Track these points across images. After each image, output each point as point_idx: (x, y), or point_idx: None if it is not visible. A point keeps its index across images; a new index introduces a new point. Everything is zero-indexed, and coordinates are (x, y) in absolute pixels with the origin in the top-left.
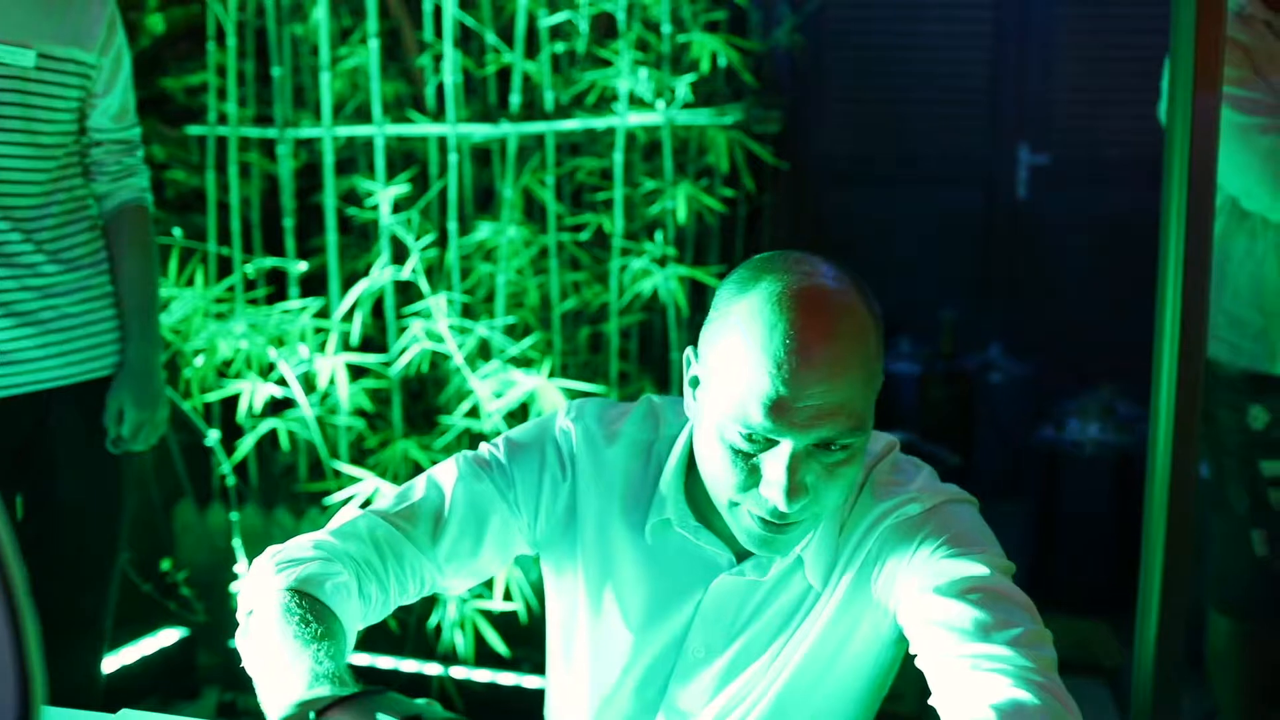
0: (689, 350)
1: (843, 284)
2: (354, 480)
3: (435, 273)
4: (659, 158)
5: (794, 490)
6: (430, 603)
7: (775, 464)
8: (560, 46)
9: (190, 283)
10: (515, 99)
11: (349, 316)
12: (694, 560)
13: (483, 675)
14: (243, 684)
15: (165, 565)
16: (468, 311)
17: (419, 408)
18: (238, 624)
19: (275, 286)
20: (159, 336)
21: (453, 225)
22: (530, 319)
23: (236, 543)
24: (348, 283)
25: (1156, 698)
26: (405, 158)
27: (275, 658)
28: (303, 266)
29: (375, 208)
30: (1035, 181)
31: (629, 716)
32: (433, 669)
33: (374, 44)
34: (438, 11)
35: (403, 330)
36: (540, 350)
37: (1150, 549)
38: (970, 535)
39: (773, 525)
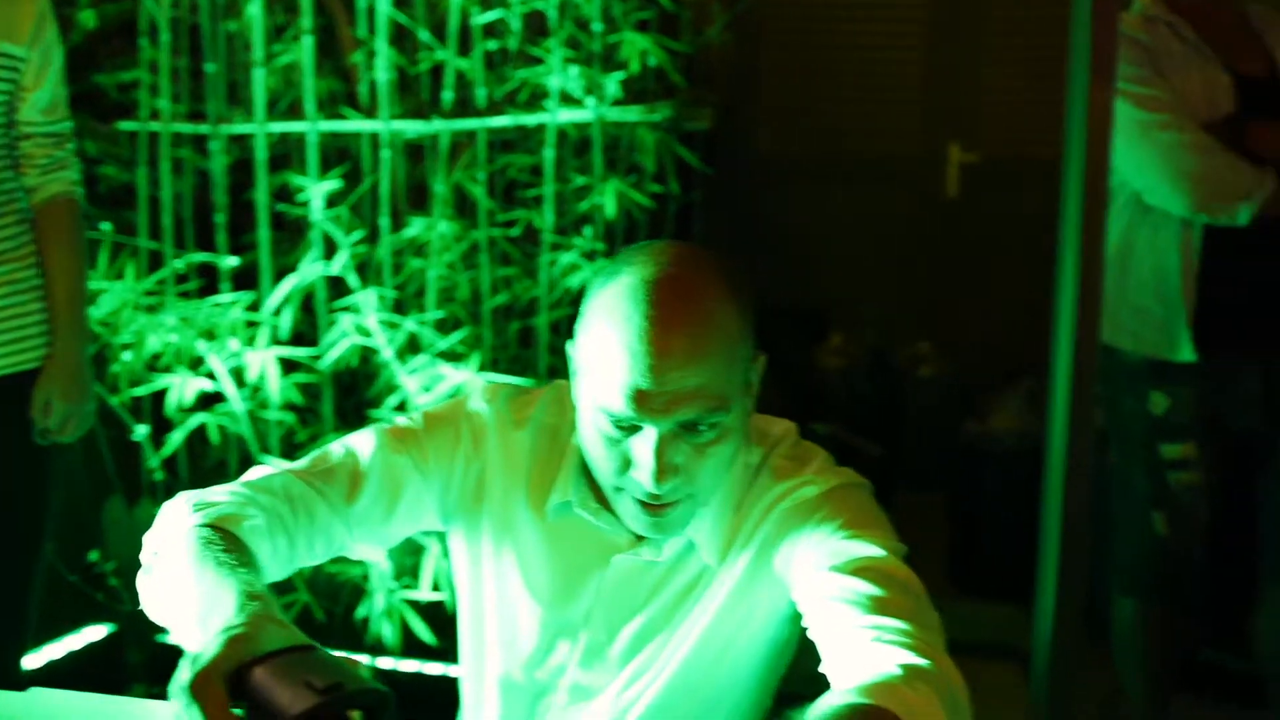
0: (569, 342)
1: (702, 270)
2: None
3: (367, 268)
4: (590, 154)
5: (662, 472)
6: (358, 593)
7: (643, 448)
8: (493, 44)
9: (120, 276)
10: (448, 96)
11: (279, 311)
12: (595, 541)
13: (409, 665)
14: (169, 680)
15: (93, 556)
16: (399, 306)
17: (350, 402)
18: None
19: (206, 281)
20: (87, 329)
21: (385, 221)
22: (461, 313)
23: None
24: (279, 278)
25: (1052, 676)
26: (338, 154)
27: (195, 585)
28: (234, 261)
29: (307, 204)
30: (965, 179)
31: (534, 695)
32: (360, 659)
33: (307, 40)
34: (371, 9)
35: (333, 325)
36: (470, 345)
37: (1048, 531)
38: (865, 517)
39: (651, 508)
